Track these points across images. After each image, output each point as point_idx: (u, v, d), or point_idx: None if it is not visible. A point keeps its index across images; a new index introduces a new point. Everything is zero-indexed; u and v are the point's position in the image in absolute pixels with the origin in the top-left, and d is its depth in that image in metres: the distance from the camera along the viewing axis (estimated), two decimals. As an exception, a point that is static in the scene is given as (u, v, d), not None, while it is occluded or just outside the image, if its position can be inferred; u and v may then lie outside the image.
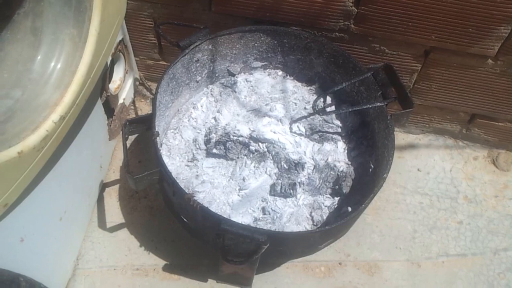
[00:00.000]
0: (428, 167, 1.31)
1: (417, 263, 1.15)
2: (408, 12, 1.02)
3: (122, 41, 1.22)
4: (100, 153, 1.18)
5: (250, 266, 0.91)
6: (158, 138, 0.89)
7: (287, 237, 0.81)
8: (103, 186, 1.24)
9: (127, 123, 0.90)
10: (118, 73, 1.29)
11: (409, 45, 1.10)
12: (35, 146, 0.73)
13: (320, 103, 1.10)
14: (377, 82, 1.00)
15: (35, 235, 0.88)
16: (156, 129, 0.90)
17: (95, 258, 1.13)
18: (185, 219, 0.93)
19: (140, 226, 1.18)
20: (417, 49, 1.11)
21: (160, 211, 1.20)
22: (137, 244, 1.15)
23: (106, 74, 1.14)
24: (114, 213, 1.20)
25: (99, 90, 1.11)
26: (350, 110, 1.02)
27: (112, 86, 1.26)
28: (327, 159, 1.03)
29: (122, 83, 1.29)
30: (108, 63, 1.15)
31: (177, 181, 0.99)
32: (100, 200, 1.22)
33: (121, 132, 0.89)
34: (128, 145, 1.30)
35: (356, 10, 1.04)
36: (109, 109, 1.21)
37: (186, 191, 0.93)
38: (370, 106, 0.96)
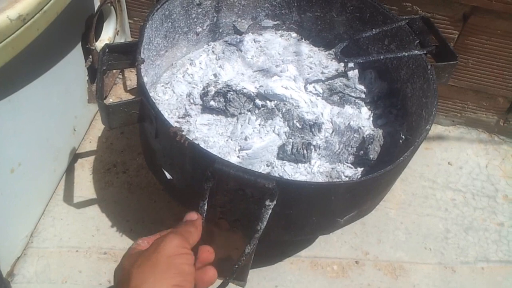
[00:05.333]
0: (460, 162, 1.12)
1: (451, 267, 0.93)
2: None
3: (114, -10, 1.07)
4: (75, 112, 0.99)
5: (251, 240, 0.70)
6: (143, 65, 0.71)
7: (302, 188, 0.61)
8: (76, 156, 1.04)
9: (106, 50, 0.72)
10: (107, 31, 1.12)
11: (446, 4, 0.94)
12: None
13: (341, 63, 0.92)
14: (413, 31, 0.83)
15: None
16: (142, 56, 0.72)
17: (54, 237, 0.91)
18: (168, 174, 0.73)
19: (115, 203, 0.97)
20: (455, 10, 0.95)
21: (141, 189, 0.99)
22: (108, 224, 0.94)
23: (92, 21, 0.98)
24: (85, 187, 0.99)
25: (79, 32, 0.94)
26: (381, 57, 0.84)
27: (99, 44, 1.09)
28: (349, 122, 0.85)
29: (111, 44, 1.12)
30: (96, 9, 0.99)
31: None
32: (70, 171, 1.01)
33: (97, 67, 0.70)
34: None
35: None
36: (93, 71, 1.04)
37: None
38: (406, 54, 0.79)
